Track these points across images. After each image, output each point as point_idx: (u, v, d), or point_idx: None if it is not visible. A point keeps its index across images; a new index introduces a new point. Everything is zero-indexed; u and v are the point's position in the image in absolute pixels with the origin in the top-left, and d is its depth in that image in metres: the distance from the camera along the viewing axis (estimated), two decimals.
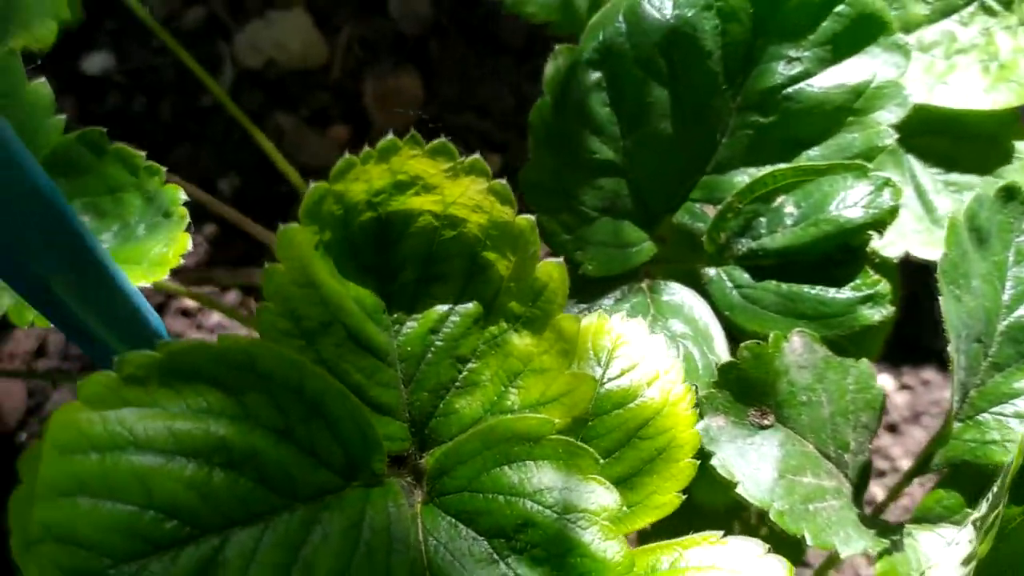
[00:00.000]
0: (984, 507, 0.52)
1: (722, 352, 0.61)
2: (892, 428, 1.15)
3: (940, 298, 0.58)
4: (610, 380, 0.51)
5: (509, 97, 1.17)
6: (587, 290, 0.65)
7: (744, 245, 0.62)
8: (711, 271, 0.64)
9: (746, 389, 0.57)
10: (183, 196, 0.58)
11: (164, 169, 0.59)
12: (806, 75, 0.62)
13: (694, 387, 0.52)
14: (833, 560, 0.61)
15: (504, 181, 0.48)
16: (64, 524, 0.39)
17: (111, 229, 0.60)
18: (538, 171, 0.64)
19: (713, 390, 0.56)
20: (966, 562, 0.51)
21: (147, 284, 0.55)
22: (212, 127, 1.13)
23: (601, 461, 0.46)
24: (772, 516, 0.54)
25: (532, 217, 0.48)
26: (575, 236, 0.64)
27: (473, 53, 1.17)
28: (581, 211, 0.64)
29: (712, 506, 0.67)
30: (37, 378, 1.03)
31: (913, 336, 1.17)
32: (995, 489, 0.52)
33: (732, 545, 0.48)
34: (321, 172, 0.46)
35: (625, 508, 0.46)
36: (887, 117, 0.61)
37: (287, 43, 1.12)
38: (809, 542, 0.54)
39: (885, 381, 1.18)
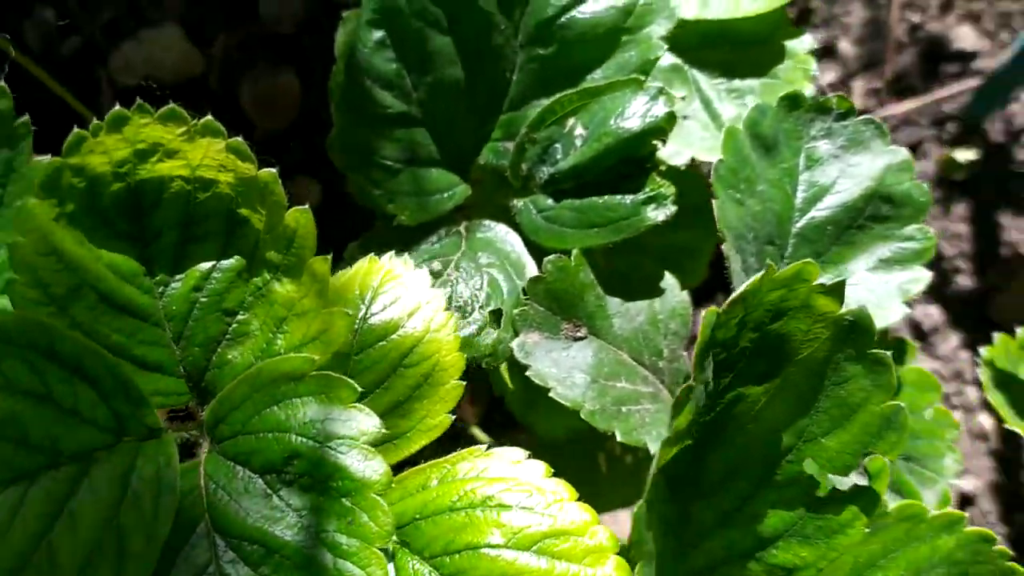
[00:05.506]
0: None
1: (533, 275, 0.63)
2: None
3: (715, 201, 0.60)
4: (373, 315, 0.53)
5: None
6: (406, 239, 0.67)
7: (545, 172, 0.64)
8: (519, 203, 0.66)
9: (555, 302, 0.60)
10: None
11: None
12: (576, 2, 0.64)
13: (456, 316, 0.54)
14: None
15: (240, 138, 0.50)
16: None
17: None
18: (340, 133, 0.66)
19: (525, 307, 0.59)
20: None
21: None
22: None
23: (360, 390, 0.48)
24: (583, 415, 0.57)
25: (273, 170, 0.50)
26: (384, 190, 0.66)
27: None
28: (384, 164, 0.66)
29: (552, 436, 0.69)
30: None
31: None
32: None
33: (497, 455, 0.50)
34: None
35: (384, 430, 0.47)
36: (658, 31, 0.63)
37: (161, 59, 1.14)
38: (619, 438, 0.57)
39: None
